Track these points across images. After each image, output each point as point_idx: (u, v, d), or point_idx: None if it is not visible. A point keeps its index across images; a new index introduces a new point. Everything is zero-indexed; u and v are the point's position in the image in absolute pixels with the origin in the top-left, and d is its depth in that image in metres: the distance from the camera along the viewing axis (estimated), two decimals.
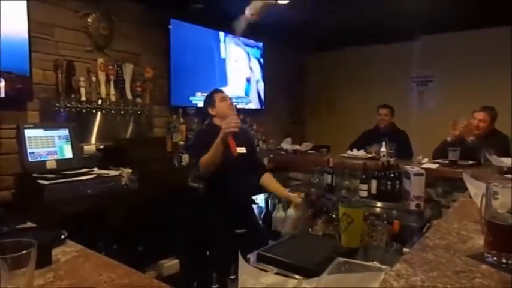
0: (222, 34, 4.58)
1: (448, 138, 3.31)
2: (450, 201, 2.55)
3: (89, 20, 3.25)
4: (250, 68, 5.02)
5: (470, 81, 4.81)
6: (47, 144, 2.75)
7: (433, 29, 4.77)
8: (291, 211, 2.51)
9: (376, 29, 4.77)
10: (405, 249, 1.55)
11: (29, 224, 1.36)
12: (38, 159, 2.69)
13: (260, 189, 2.82)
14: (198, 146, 2.51)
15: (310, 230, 2.24)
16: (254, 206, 2.85)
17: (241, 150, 2.52)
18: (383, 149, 3.13)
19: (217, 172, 2.33)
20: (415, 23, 4.38)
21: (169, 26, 3.91)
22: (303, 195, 2.58)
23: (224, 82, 4.54)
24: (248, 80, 4.98)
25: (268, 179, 2.68)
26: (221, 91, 2.72)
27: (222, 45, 4.60)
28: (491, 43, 4.68)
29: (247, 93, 4.97)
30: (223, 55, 4.62)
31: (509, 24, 4.42)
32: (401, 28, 4.64)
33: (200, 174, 2.55)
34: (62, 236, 1.17)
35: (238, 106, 4.51)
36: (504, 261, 0.88)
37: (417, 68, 5.16)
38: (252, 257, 1.42)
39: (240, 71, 4.88)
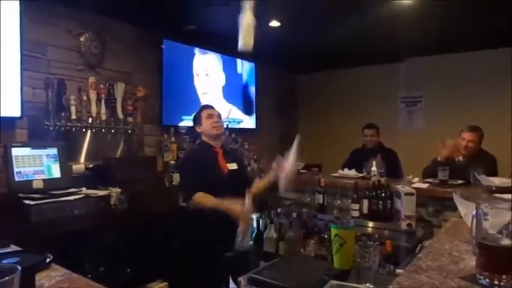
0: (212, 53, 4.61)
1: (439, 158, 3.34)
2: (441, 221, 2.55)
3: (81, 39, 3.26)
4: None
5: (459, 101, 4.88)
6: (34, 163, 2.71)
7: (420, 52, 4.88)
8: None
9: (365, 50, 4.87)
10: (398, 271, 1.54)
11: (13, 247, 1.32)
12: (25, 178, 2.63)
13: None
14: (187, 166, 2.48)
15: (302, 250, 2.22)
16: None
17: (232, 166, 2.51)
18: (373, 168, 3.14)
19: (207, 191, 2.27)
20: (402, 46, 4.48)
21: (162, 46, 3.93)
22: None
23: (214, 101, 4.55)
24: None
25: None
26: (209, 107, 2.67)
27: (211, 63, 4.63)
28: (479, 65, 4.78)
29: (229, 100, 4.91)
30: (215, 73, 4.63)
31: (496, 47, 4.53)
32: (389, 50, 4.74)
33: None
34: (47, 260, 1.14)
35: (230, 126, 4.54)
36: (496, 282, 0.87)
37: (406, 88, 5.24)
38: (243, 280, 1.39)
39: (219, 85, 4.83)
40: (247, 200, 2.21)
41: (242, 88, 5.15)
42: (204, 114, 2.56)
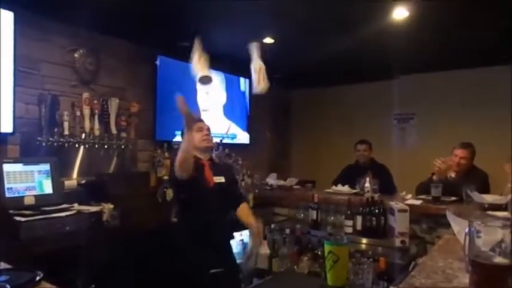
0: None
1: (434, 177, 3.30)
2: (435, 238, 2.55)
3: (75, 55, 3.27)
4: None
5: (451, 119, 4.94)
6: (26, 179, 2.68)
7: (412, 69, 4.95)
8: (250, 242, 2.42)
9: (358, 68, 4.93)
10: None
11: (3, 265, 1.30)
12: (16, 194, 2.60)
13: (239, 222, 2.65)
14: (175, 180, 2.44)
15: (295, 267, 2.21)
16: (234, 242, 2.74)
17: (219, 179, 2.49)
18: (367, 184, 3.15)
19: (193, 203, 2.26)
20: (394, 63, 4.54)
21: (156, 62, 3.95)
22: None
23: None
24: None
25: (241, 208, 2.52)
26: (199, 120, 2.62)
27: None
28: (471, 82, 4.85)
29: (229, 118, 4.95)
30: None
31: (488, 65, 4.61)
32: (382, 68, 4.80)
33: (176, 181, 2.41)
34: (37, 277, 1.12)
35: (224, 141, 4.54)
36: None
37: (398, 105, 5.29)
38: None
39: (220, 103, 4.88)
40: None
41: (243, 105, 5.20)
42: (193, 126, 2.52)
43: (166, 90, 4.04)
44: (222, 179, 2.49)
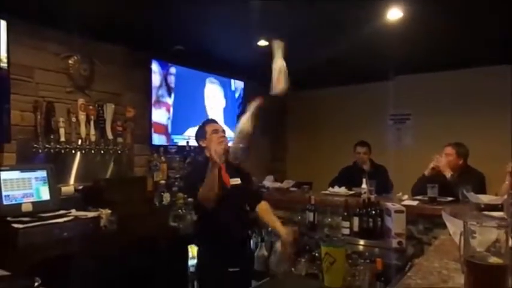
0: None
1: (426, 173, 3.40)
2: (431, 238, 2.57)
3: (70, 61, 3.27)
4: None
5: (447, 119, 4.95)
6: (23, 186, 2.68)
7: (408, 70, 4.97)
8: (277, 246, 2.45)
9: (353, 69, 4.94)
10: None
11: (1, 272, 1.30)
12: (13, 202, 2.60)
13: (255, 222, 2.72)
14: (194, 174, 2.49)
15: (292, 269, 2.21)
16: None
17: (236, 181, 2.50)
18: (364, 185, 3.16)
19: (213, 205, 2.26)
20: (390, 64, 4.57)
21: (151, 67, 3.96)
22: (296, 228, 2.52)
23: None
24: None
25: (263, 208, 2.57)
26: (214, 122, 2.65)
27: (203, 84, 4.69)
28: (466, 83, 4.87)
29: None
30: (204, 94, 4.69)
31: (484, 65, 4.63)
32: (377, 69, 4.82)
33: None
34: (36, 284, 1.13)
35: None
36: None
37: (394, 106, 5.31)
38: None
39: (218, 107, 4.93)
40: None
41: (234, 107, 5.20)
42: (208, 129, 2.53)
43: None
44: (238, 181, 2.50)
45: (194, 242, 2.66)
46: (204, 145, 2.52)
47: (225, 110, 4.99)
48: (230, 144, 2.51)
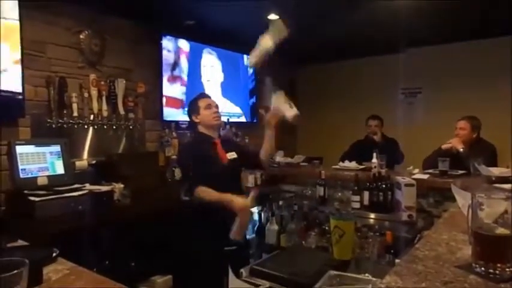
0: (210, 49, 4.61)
1: (443, 146, 3.37)
2: (441, 212, 2.56)
3: (81, 36, 3.27)
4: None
5: (459, 92, 4.88)
6: (38, 160, 2.74)
7: (418, 42, 4.86)
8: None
9: (364, 41, 4.86)
10: (397, 261, 1.56)
11: (20, 242, 1.35)
12: (29, 175, 2.67)
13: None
14: (186, 160, 2.44)
15: (303, 242, 2.25)
16: None
17: (232, 155, 2.49)
18: (374, 160, 3.16)
19: (209, 183, 2.21)
20: (401, 37, 4.47)
21: (161, 42, 3.94)
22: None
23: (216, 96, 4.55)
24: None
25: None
26: (206, 96, 2.60)
27: (213, 59, 4.64)
28: (478, 55, 4.77)
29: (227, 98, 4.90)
30: (214, 69, 4.64)
31: (495, 36, 4.51)
32: (387, 41, 4.72)
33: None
34: (54, 254, 1.17)
35: (231, 119, 4.55)
36: (491, 271, 0.89)
37: (405, 79, 5.23)
38: (244, 271, 1.42)
39: (215, 80, 4.78)
40: (253, 194, 2.16)
41: (246, 83, 5.16)
42: (201, 103, 2.48)
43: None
44: (234, 155, 2.49)
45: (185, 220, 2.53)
46: (197, 120, 2.48)
47: (223, 84, 4.81)
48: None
